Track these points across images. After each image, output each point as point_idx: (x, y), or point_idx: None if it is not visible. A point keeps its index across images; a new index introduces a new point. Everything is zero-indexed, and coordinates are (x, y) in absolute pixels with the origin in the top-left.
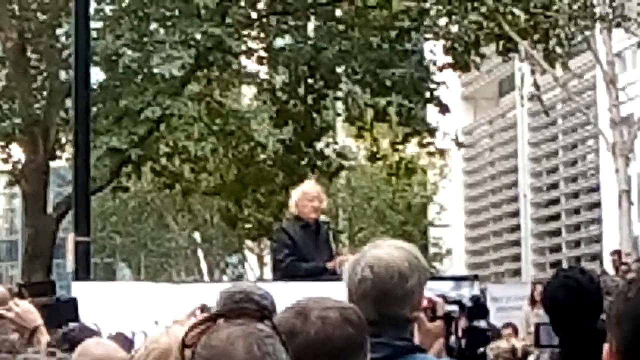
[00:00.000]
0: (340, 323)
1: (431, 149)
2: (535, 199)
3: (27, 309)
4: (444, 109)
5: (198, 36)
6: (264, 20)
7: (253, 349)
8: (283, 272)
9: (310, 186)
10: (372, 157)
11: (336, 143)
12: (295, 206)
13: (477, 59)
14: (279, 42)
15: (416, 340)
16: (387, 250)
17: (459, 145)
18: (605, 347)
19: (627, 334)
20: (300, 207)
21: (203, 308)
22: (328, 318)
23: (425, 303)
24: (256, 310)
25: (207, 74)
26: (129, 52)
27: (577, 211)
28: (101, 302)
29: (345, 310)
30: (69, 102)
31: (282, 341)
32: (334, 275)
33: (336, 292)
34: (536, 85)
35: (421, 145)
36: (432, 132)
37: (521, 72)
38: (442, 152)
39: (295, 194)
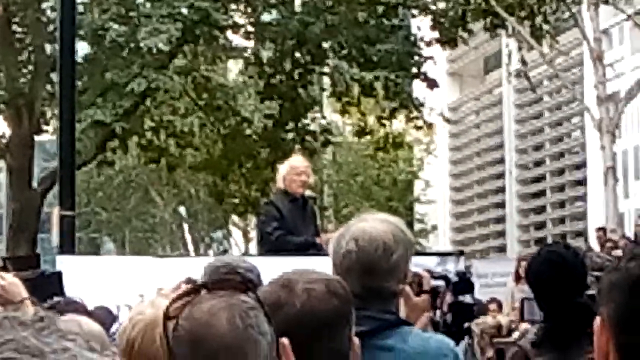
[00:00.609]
0: (326, 295)
1: (418, 122)
2: (520, 176)
3: (12, 282)
4: (431, 83)
5: (184, 10)
6: None
7: (236, 320)
8: (272, 246)
9: (298, 160)
10: (360, 132)
11: (324, 118)
12: (282, 180)
13: (465, 35)
14: (265, 17)
15: (402, 314)
16: (372, 224)
17: (446, 121)
18: (597, 319)
19: (618, 302)
20: (288, 182)
21: (188, 281)
22: (313, 290)
23: (411, 277)
24: (240, 282)
25: (194, 49)
26: (115, 26)
27: (562, 188)
28: (86, 276)
29: (331, 282)
30: (54, 76)
31: (265, 313)
32: (321, 251)
33: (322, 266)
34: (523, 62)
35: (408, 119)
36: (418, 107)
37: (508, 48)
38: (429, 126)
39: (283, 168)
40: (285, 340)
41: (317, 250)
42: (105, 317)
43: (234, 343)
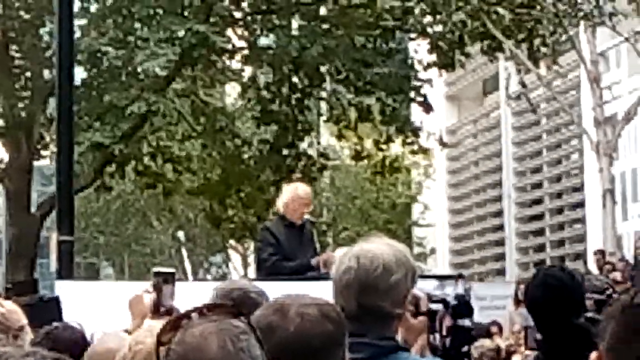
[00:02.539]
0: (319, 319)
1: (414, 147)
2: (519, 199)
3: (11, 309)
4: (427, 107)
5: (182, 34)
6: (248, 18)
7: (227, 344)
8: (267, 271)
9: (305, 191)
10: (357, 156)
11: (319, 143)
12: (285, 207)
13: (462, 58)
14: (263, 41)
15: (399, 336)
16: (377, 245)
17: (443, 145)
18: (593, 355)
19: (616, 331)
20: (291, 210)
21: (157, 283)
22: (307, 314)
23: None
24: (231, 307)
25: (192, 73)
26: (112, 50)
27: (560, 210)
28: (84, 302)
29: (324, 307)
30: (52, 101)
31: (257, 338)
32: (317, 273)
33: (320, 291)
34: (522, 84)
35: (405, 143)
36: (415, 131)
37: (507, 71)
38: (425, 151)
39: (287, 194)
40: None
41: (313, 272)
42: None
43: None
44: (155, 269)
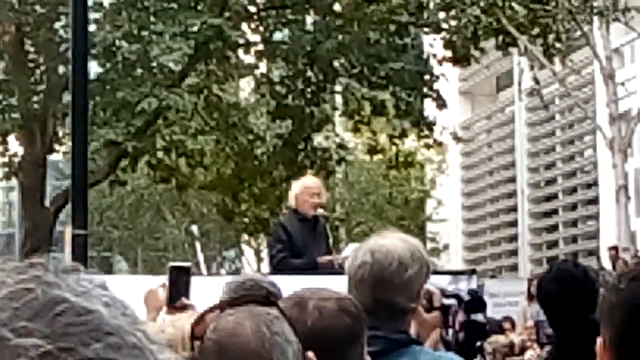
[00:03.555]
0: (338, 313)
1: (429, 141)
2: (532, 195)
3: None
4: (441, 103)
5: (196, 28)
6: (263, 13)
7: (262, 328)
8: (275, 268)
9: (312, 181)
10: (372, 150)
11: (337, 135)
12: (295, 199)
13: (477, 53)
14: (277, 36)
15: (412, 330)
16: (391, 240)
17: (457, 139)
18: (599, 340)
19: (620, 323)
20: (301, 202)
21: (173, 276)
22: (325, 308)
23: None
24: (263, 297)
25: (206, 67)
26: (126, 44)
27: (574, 207)
28: None
29: (343, 301)
30: (66, 96)
31: (290, 324)
32: (325, 270)
33: (335, 285)
34: (536, 80)
35: (419, 137)
36: (429, 125)
37: (520, 66)
38: (439, 144)
39: (296, 187)
40: (311, 354)
41: (321, 270)
42: None
43: (261, 349)
44: (172, 263)
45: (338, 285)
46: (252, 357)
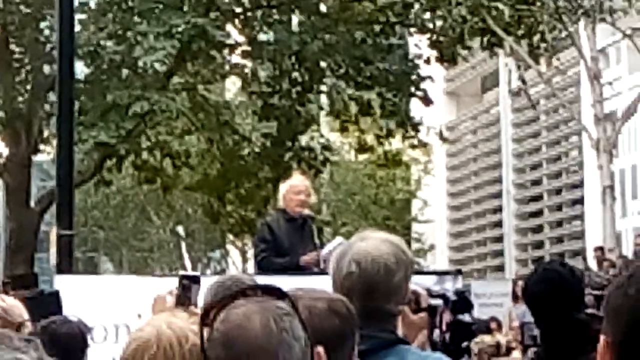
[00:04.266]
0: (327, 313)
1: (414, 141)
2: (518, 195)
3: (13, 304)
4: (427, 100)
5: (181, 28)
6: (249, 13)
7: (270, 323)
8: (258, 267)
9: (298, 180)
10: (360, 149)
11: (322, 136)
12: (282, 199)
13: (464, 52)
14: (262, 37)
15: (399, 332)
16: (374, 244)
17: (443, 139)
18: (602, 339)
19: (624, 329)
20: (287, 201)
21: (186, 283)
22: (315, 308)
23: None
24: (275, 290)
25: (192, 67)
26: (111, 44)
27: (560, 207)
28: (84, 296)
29: (334, 302)
30: (52, 96)
31: (300, 319)
32: (308, 270)
33: (321, 286)
34: (523, 80)
35: (405, 137)
36: (415, 126)
37: (507, 67)
38: (424, 145)
39: (283, 187)
40: (320, 349)
41: (303, 270)
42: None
43: (267, 345)
44: (182, 272)
45: (324, 285)
46: (258, 352)
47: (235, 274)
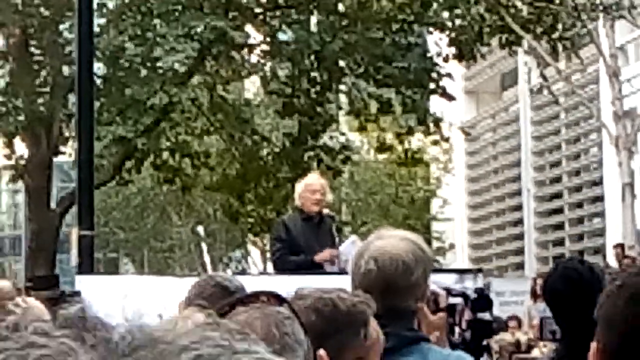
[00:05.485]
0: (305, 311)
1: (436, 137)
2: (538, 193)
3: (34, 305)
4: (448, 96)
5: (200, 29)
6: (268, 14)
7: (271, 329)
8: (274, 266)
9: (313, 178)
10: (380, 148)
11: (343, 134)
12: (298, 198)
13: (483, 49)
14: (281, 37)
15: None
16: (391, 242)
17: (465, 133)
18: (593, 345)
19: (616, 337)
20: (303, 200)
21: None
22: (296, 305)
23: (428, 295)
24: (274, 296)
25: (211, 68)
26: (131, 46)
27: (580, 205)
28: (105, 296)
29: (322, 300)
30: (72, 98)
31: (301, 323)
32: (321, 269)
33: (339, 285)
34: (543, 77)
35: (427, 134)
36: (437, 121)
37: (527, 65)
38: (447, 139)
39: (299, 186)
40: (322, 352)
41: (318, 268)
42: None
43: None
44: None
45: (339, 285)
46: None
47: (212, 273)
